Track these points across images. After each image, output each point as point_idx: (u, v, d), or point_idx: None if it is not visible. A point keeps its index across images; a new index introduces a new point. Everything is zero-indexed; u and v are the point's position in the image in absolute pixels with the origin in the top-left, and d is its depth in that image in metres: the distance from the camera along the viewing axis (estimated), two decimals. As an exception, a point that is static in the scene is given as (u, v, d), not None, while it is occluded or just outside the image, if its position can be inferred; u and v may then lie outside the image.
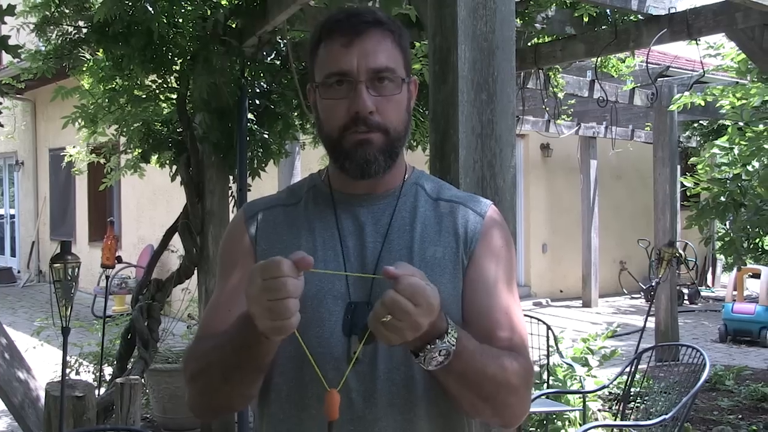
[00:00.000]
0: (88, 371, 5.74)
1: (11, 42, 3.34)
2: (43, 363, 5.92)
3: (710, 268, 14.15)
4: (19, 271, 14.98)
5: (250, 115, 4.63)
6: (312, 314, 1.30)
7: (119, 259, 5.66)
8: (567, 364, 5.00)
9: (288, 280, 1.09)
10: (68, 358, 5.70)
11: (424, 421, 1.31)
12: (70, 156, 7.12)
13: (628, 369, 4.24)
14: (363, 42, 1.30)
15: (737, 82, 7.10)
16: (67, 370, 5.45)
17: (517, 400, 1.30)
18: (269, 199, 1.47)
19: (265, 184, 4.78)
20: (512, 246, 1.43)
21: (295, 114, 4.92)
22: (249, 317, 1.15)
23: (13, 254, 15.98)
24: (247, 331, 1.17)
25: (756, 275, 9.38)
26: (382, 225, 1.36)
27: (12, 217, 16.31)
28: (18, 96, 12.53)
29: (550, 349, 4.90)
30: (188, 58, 4.47)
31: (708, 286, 13.87)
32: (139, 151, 4.98)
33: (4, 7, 3.17)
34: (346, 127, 1.31)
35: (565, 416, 4.74)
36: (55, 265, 3.10)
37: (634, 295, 12.85)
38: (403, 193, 1.40)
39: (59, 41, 4.59)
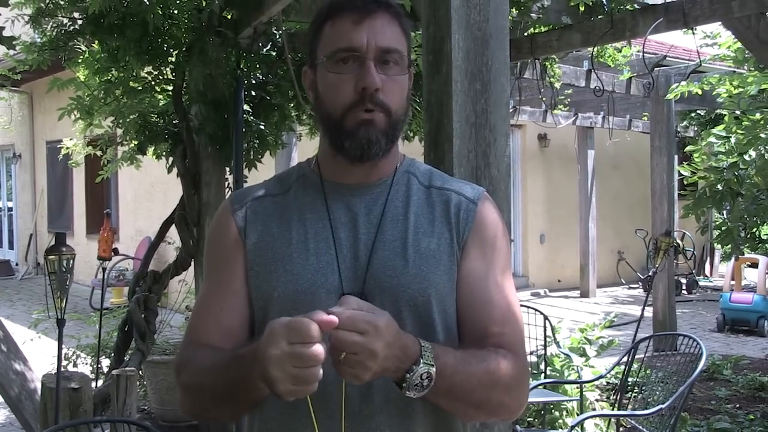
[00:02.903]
0: (86, 363, 5.75)
1: (7, 34, 3.33)
2: (40, 355, 5.93)
3: (708, 258, 14.16)
4: (17, 264, 14.97)
5: (246, 107, 4.62)
6: (306, 309, 1.28)
7: (116, 251, 5.66)
8: (564, 354, 5.01)
9: (318, 347, 1.05)
10: (66, 350, 5.73)
11: (420, 414, 1.30)
12: (67, 148, 7.11)
13: (625, 359, 4.25)
14: (373, 20, 1.29)
15: (734, 72, 7.10)
16: (65, 362, 5.47)
17: (512, 398, 1.29)
18: (256, 188, 1.44)
19: (262, 176, 4.73)
20: (506, 234, 1.41)
21: (292, 105, 4.91)
22: (250, 356, 1.12)
23: (11, 247, 15.97)
24: (245, 372, 1.15)
25: (754, 265, 9.39)
26: (375, 215, 1.34)
27: (10, 209, 16.30)
28: (15, 88, 12.52)
29: (548, 339, 4.90)
30: (184, 49, 4.46)
31: (706, 276, 13.88)
32: (136, 142, 4.98)
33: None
34: (351, 106, 1.29)
35: (562, 406, 4.76)
36: (50, 257, 3.10)
37: (632, 285, 12.87)
38: (395, 182, 1.38)
39: (54, 33, 4.57)
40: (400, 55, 1.32)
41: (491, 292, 1.33)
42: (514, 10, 4.92)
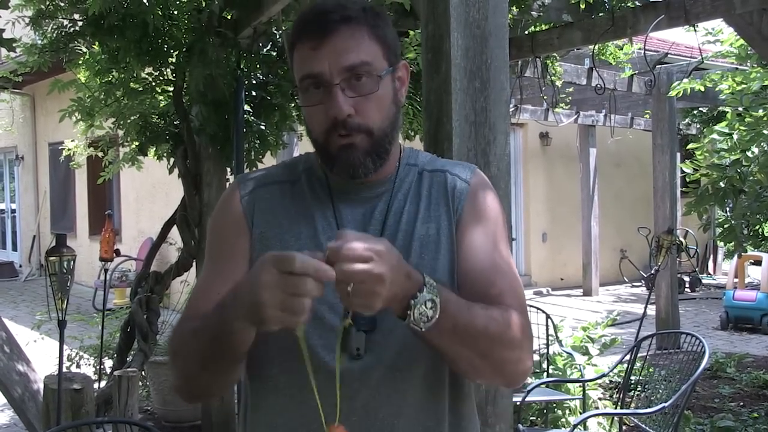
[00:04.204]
0: (89, 364, 5.75)
1: (7, 36, 3.34)
2: (44, 356, 5.93)
3: (711, 256, 14.14)
4: (20, 266, 14.99)
5: (246, 107, 4.62)
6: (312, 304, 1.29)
7: (117, 252, 5.66)
8: (567, 352, 5.00)
9: (307, 279, 1.04)
10: (69, 351, 5.73)
11: (412, 407, 1.30)
12: (69, 150, 7.12)
13: (627, 357, 4.24)
14: (332, 42, 1.26)
15: (736, 68, 7.08)
16: (68, 363, 5.48)
17: (516, 355, 1.26)
18: (264, 174, 1.43)
19: (263, 176, 4.76)
20: (499, 205, 1.40)
21: (292, 105, 4.91)
22: (227, 304, 1.13)
23: (14, 248, 16.00)
24: (228, 313, 1.15)
25: (757, 262, 9.37)
26: (380, 212, 1.35)
27: (13, 211, 16.32)
28: (16, 90, 12.53)
29: (550, 338, 4.89)
30: (184, 50, 4.46)
31: (709, 274, 13.85)
32: (137, 143, 4.98)
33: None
34: (328, 131, 1.29)
35: (565, 405, 4.75)
36: (51, 258, 3.09)
37: (635, 284, 12.84)
38: (398, 177, 1.39)
39: (55, 34, 4.57)
40: (368, 69, 1.28)
41: (486, 259, 1.32)
42: (514, 8, 4.92)
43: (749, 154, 5.32)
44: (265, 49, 4.85)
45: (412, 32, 4.77)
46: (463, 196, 1.36)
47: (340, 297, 1.09)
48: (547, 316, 4.86)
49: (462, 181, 1.38)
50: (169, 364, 1.34)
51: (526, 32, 5.59)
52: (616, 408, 4.67)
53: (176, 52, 4.51)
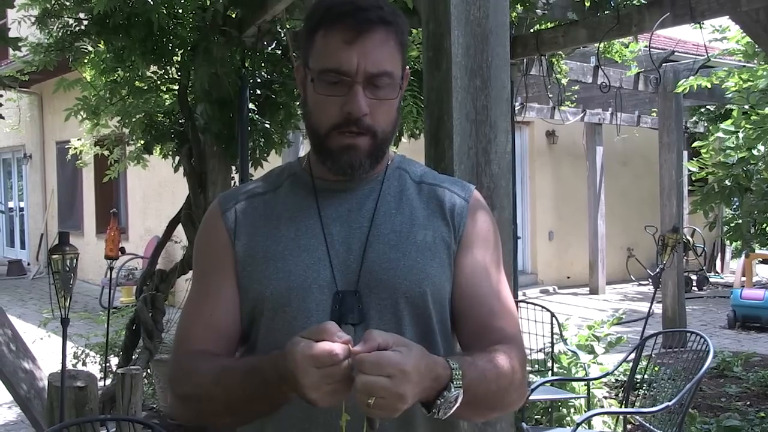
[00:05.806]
0: (95, 362, 5.77)
1: (13, 35, 3.36)
2: (50, 354, 5.95)
3: (719, 254, 14.08)
4: (28, 264, 15.04)
5: (251, 105, 4.63)
6: (299, 305, 1.29)
7: (123, 251, 5.67)
8: (572, 351, 4.99)
9: (345, 363, 1.07)
10: (76, 349, 5.75)
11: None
12: (75, 148, 7.15)
13: (632, 356, 4.23)
14: (365, 42, 1.26)
15: (743, 66, 7.04)
16: (75, 361, 5.49)
17: (519, 393, 1.31)
18: (244, 188, 1.43)
19: (268, 174, 4.77)
20: (497, 228, 1.42)
21: (297, 103, 4.92)
22: (272, 372, 1.14)
23: (23, 246, 16.06)
24: (271, 388, 1.16)
25: (765, 261, 9.34)
26: (368, 209, 1.34)
27: (21, 209, 16.38)
28: (24, 89, 12.57)
29: (555, 336, 4.88)
30: (189, 48, 4.48)
31: (717, 272, 13.80)
32: (142, 142, 5.00)
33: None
34: (336, 126, 1.28)
35: (570, 403, 4.74)
36: (54, 256, 3.10)
37: (642, 282, 12.80)
38: (387, 178, 1.38)
39: (60, 33, 4.59)
40: (392, 76, 1.29)
41: (490, 284, 1.34)
42: (519, 6, 4.90)
43: (755, 152, 5.29)
44: (269, 48, 4.86)
45: (415, 30, 4.76)
46: (464, 213, 1.37)
47: (358, 404, 1.08)
48: (552, 315, 4.85)
49: (461, 199, 1.38)
50: (175, 396, 1.32)
51: (531, 30, 5.58)
52: (621, 407, 4.65)
53: (181, 51, 4.53)
